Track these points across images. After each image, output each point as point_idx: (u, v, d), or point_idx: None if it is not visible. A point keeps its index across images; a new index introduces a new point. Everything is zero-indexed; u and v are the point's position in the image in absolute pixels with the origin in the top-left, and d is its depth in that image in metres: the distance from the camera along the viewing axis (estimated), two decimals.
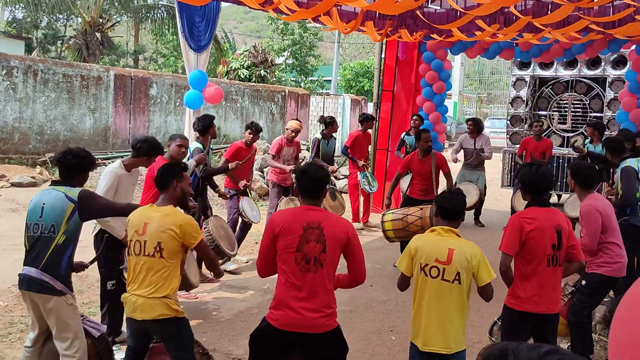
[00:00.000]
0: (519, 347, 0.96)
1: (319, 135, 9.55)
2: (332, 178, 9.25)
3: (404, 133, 10.40)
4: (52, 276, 3.77)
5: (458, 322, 3.56)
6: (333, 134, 9.63)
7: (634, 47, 9.67)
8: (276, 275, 3.57)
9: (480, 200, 9.91)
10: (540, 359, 0.93)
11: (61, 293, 3.79)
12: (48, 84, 12.46)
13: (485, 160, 10.23)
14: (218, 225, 6.39)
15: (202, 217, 6.49)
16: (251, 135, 7.51)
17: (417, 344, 3.61)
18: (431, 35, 9.69)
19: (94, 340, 3.99)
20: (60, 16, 32.08)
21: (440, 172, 7.77)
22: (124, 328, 5.02)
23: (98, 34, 22.57)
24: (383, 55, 11.61)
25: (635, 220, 5.94)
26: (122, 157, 13.03)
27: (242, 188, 7.48)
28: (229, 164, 7.15)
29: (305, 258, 3.35)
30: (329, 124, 9.54)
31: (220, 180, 8.06)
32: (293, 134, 8.57)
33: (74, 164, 3.94)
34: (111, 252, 4.92)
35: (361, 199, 10.24)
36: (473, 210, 10.29)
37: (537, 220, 3.93)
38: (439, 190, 7.60)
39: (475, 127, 10.29)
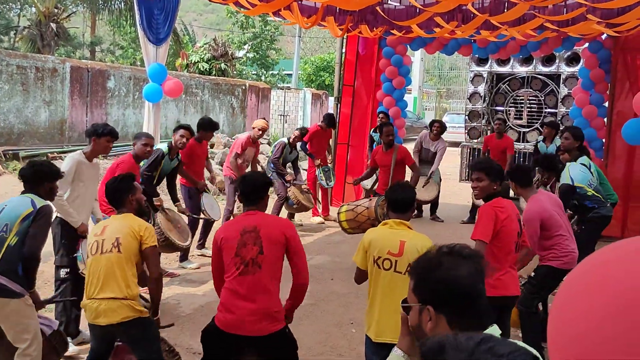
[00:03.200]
0: (456, 339, 1.00)
1: (285, 140, 9.52)
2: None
3: (372, 130, 10.51)
4: (9, 279, 3.70)
5: None
6: (297, 145, 9.63)
7: (586, 45, 9.95)
8: None
9: (438, 193, 10.09)
10: (477, 346, 0.97)
11: (20, 295, 3.73)
12: (1, 76, 12.12)
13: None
14: (170, 218, 6.33)
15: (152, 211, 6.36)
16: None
17: (370, 335, 3.67)
18: (391, 31, 9.78)
19: (48, 337, 3.93)
20: (14, 6, 31.23)
21: (406, 166, 7.90)
22: (81, 328, 4.95)
23: (53, 25, 22.07)
24: (344, 50, 11.66)
25: (605, 211, 6.28)
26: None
27: (200, 189, 7.37)
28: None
29: (243, 262, 3.40)
30: (303, 134, 9.57)
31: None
32: (260, 133, 8.49)
33: (34, 176, 3.95)
34: (66, 239, 4.87)
35: (319, 194, 10.29)
36: (429, 205, 10.43)
37: (507, 208, 4.09)
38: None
39: (441, 131, 10.41)
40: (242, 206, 7.71)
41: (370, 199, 7.17)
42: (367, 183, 9.27)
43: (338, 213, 7.35)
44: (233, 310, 3.39)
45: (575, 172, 6.24)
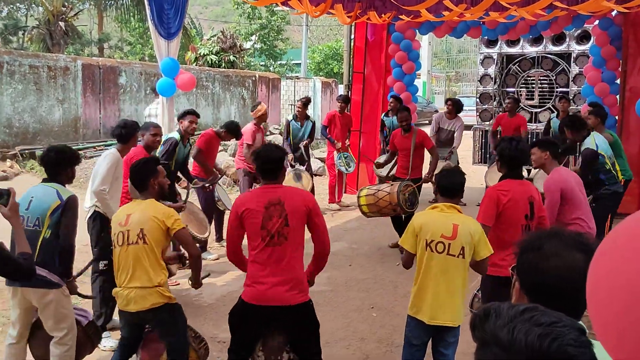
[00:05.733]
0: (500, 307, 1.04)
1: (289, 117, 9.66)
2: (291, 161, 9.04)
3: (383, 114, 10.51)
4: (48, 270, 3.80)
5: (461, 295, 3.71)
6: (309, 116, 9.66)
7: (596, 22, 9.88)
8: None
9: None
10: (519, 315, 1.01)
11: (58, 285, 3.86)
12: (14, 76, 12.24)
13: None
14: (188, 210, 6.42)
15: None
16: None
17: (423, 318, 3.70)
18: (399, 16, 9.76)
19: (84, 327, 4.04)
20: (21, 6, 31.38)
21: (425, 149, 7.85)
22: (115, 316, 5.06)
23: (62, 23, 22.20)
24: (352, 37, 11.65)
25: (616, 187, 6.39)
26: (93, 147, 12.93)
27: (214, 179, 7.46)
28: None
29: (269, 234, 3.49)
30: (305, 104, 9.64)
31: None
32: (261, 115, 8.47)
33: (56, 160, 3.98)
34: (104, 231, 4.97)
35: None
36: None
37: (511, 192, 4.13)
38: (425, 168, 7.74)
39: (455, 107, 10.36)
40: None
41: (392, 184, 7.19)
42: (381, 171, 9.24)
43: (358, 197, 7.38)
44: (262, 282, 3.49)
45: (600, 141, 6.38)
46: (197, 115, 6.94)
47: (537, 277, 1.60)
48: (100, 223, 5.07)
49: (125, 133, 5.29)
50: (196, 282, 4.10)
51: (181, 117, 6.86)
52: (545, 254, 1.61)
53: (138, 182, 3.94)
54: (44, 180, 4.02)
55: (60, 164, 3.99)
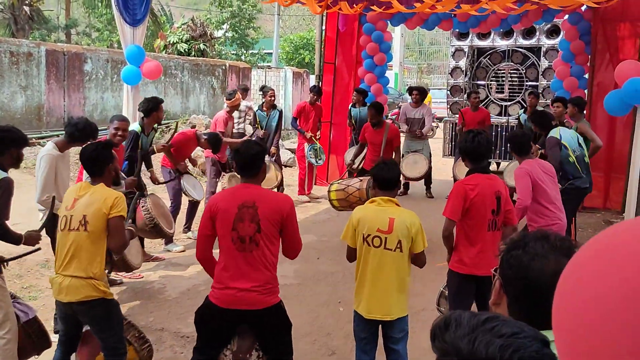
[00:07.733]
0: (461, 316, 0.99)
1: (255, 107, 9.63)
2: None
3: (350, 105, 10.47)
4: None
5: (400, 289, 3.67)
6: (276, 106, 9.60)
7: (566, 16, 9.95)
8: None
9: (429, 169, 10.02)
10: (480, 325, 0.96)
11: None
12: None
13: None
14: (156, 203, 6.27)
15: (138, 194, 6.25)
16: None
17: (362, 312, 3.70)
18: (371, 7, 9.69)
19: (23, 324, 3.80)
20: None
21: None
22: None
23: (26, 8, 21.63)
24: (324, 28, 11.55)
25: (580, 183, 6.37)
26: (57, 136, 12.60)
27: (181, 170, 7.37)
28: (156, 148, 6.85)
29: (240, 237, 3.35)
30: (264, 93, 9.65)
31: (157, 158, 7.91)
32: (234, 103, 8.56)
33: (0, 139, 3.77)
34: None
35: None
36: (423, 181, 10.40)
37: (479, 186, 4.07)
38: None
39: (421, 96, 10.41)
40: (226, 183, 7.75)
41: (361, 180, 7.17)
42: (347, 158, 9.27)
43: (328, 191, 7.37)
44: (230, 286, 3.36)
45: (565, 133, 6.40)
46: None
47: (520, 275, 1.53)
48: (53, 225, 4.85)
49: (78, 136, 4.88)
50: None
51: (145, 112, 6.61)
52: (530, 253, 1.54)
53: (95, 168, 3.73)
54: None
55: (3, 146, 3.78)
